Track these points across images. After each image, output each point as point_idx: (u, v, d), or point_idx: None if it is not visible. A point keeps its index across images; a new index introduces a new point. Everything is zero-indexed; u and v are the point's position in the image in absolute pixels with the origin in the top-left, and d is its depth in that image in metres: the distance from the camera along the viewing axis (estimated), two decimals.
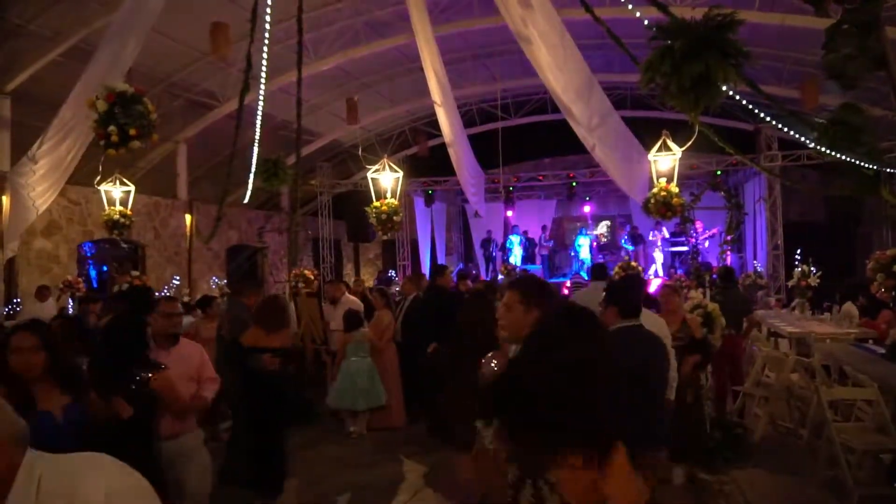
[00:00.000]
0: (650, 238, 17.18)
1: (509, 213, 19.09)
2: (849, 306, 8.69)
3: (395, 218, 8.39)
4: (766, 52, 11.45)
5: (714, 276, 11.20)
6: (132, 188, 9.48)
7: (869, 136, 3.26)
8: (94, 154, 7.91)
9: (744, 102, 5.69)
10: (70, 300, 10.39)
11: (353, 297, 8.39)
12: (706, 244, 16.73)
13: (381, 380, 6.89)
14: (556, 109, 10.86)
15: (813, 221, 16.25)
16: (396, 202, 8.49)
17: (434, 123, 12.85)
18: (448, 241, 21.08)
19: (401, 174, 8.74)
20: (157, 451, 3.19)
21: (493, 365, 2.85)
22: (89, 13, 9.01)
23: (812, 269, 9.60)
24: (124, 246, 12.33)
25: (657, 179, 7.75)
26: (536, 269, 17.77)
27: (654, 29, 3.33)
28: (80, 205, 11.67)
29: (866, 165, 3.45)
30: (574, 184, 16.93)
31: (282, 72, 10.02)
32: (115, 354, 3.18)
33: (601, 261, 15.84)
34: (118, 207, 9.13)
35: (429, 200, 18.02)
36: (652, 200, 7.64)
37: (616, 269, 10.83)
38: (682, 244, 16.99)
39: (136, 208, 10.12)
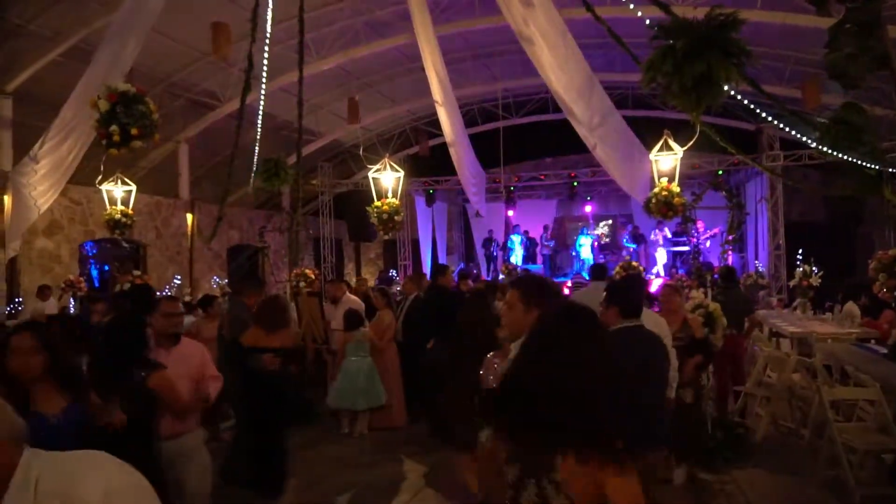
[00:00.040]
0: (652, 238, 17.17)
1: (510, 213, 19.08)
2: (850, 306, 8.67)
3: (396, 217, 8.40)
4: (767, 52, 11.43)
5: (715, 275, 11.19)
6: (133, 188, 9.50)
7: (871, 135, 3.25)
8: (96, 154, 7.93)
9: (745, 102, 5.68)
10: (72, 300, 10.40)
11: (354, 297, 8.38)
12: (707, 244, 16.71)
13: (382, 379, 6.88)
14: (557, 109, 10.88)
15: (814, 221, 16.22)
16: (397, 202, 8.49)
17: (435, 123, 12.84)
18: (449, 241, 21.07)
19: (402, 174, 8.75)
20: (158, 451, 3.19)
21: (495, 366, 2.85)
22: (89, 13, 9.02)
23: (813, 268, 9.59)
24: (126, 245, 12.35)
25: (658, 179, 7.75)
26: (538, 268, 17.75)
27: (656, 28, 3.33)
28: (82, 204, 11.69)
29: (868, 165, 3.44)
30: (575, 183, 16.93)
31: (283, 72, 10.03)
32: (115, 354, 3.18)
33: (602, 261, 15.83)
34: (120, 207, 9.15)
35: (430, 200, 18.02)
36: (653, 200, 7.64)
37: (617, 268, 10.83)
38: (684, 244, 16.97)
39: (137, 208, 10.14)
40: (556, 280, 16.35)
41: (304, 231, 17.74)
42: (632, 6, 5.12)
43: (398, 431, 6.91)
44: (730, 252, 15.59)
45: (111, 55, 6.77)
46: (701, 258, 15.64)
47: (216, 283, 13.31)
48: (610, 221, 20.06)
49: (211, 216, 11.47)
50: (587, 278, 14.98)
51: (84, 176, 9.73)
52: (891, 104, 8.59)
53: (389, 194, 8.56)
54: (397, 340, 7.37)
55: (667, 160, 7.81)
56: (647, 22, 3.84)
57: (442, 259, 19.21)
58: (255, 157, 6.94)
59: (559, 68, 7.51)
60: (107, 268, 14.03)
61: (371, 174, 8.82)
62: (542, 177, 17.49)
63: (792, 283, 10.24)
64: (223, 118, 12.69)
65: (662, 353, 3.63)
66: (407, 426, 7.05)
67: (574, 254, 18.15)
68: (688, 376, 4.84)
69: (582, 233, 18.18)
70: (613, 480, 1.69)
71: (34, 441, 1.54)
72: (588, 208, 19.33)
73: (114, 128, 4.99)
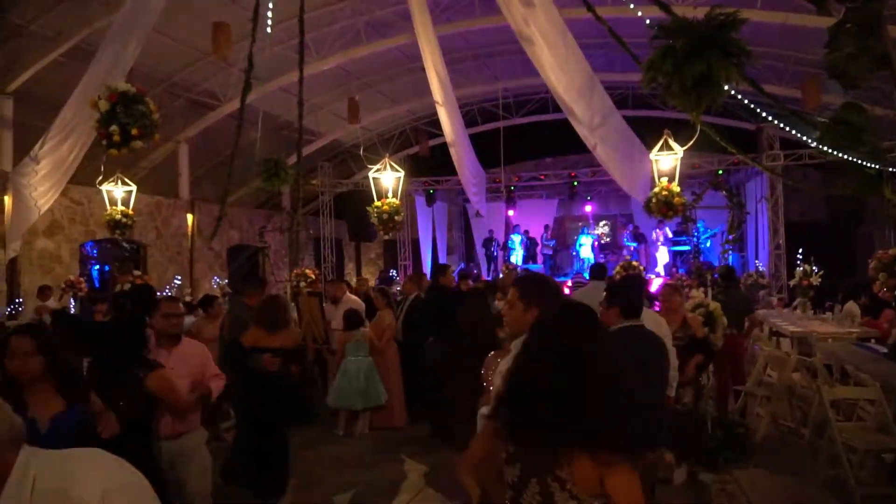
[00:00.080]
0: (652, 237, 17.17)
1: (510, 213, 19.08)
2: (851, 305, 8.67)
3: (396, 217, 8.40)
4: (767, 52, 11.43)
5: (716, 275, 11.18)
6: (134, 188, 9.50)
7: (871, 135, 3.25)
8: (96, 154, 7.94)
9: (746, 102, 5.69)
10: (72, 300, 10.40)
11: (354, 297, 8.39)
12: (708, 244, 16.70)
13: (383, 379, 6.88)
14: (557, 109, 10.86)
15: (815, 221, 16.21)
16: (398, 202, 8.49)
17: (435, 123, 12.84)
18: (449, 241, 21.08)
19: (402, 174, 8.74)
20: (157, 451, 3.19)
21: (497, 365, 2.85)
22: (90, 13, 9.02)
23: (814, 268, 9.59)
24: (126, 246, 12.36)
25: (659, 179, 7.75)
26: (538, 268, 17.75)
27: (656, 28, 3.33)
28: (83, 204, 11.69)
29: (868, 165, 3.44)
30: (575, 183, 16.92)
31: (283, 72, 10.03)
32: (115, 354, 3.18)
33: (602, 260, 15.82)
34: (120, 207, 9.15)
35: (430, 200, 18.01)
36: (653, 200, 7.64)
37: (617, 268, 10.83)
38: (684, 243, 16.97)
39: (137, 208, 10.14)
40: (556, 280, 16.37)
41: (305, 231, 17.74)
42: (632, 6, 5.12)
43: (398, 431, 6.90)
44: (730, 251, 15.59)
45: (112, 55, 6.77)
46: (701, 258, 15.64)
47: (216, 283, 13.29)
48: (610, 221, 20.07)
49: (211, 216, 11.48)
50: (587, 278, 15.02)
51: (84, 176, 9.73)
52: (891, 104, 8.59)
53: (389, 194, 8.56)
54: (397, 340, 7.37)
55: (667, 160, 7.81)
56: (648, 22, 3.84)
57: (442, 259, 19.21)
58: (256, 148, 6.92)
59: (559, 68, 7.51)
60: (107, 268, 14.03)
61: (371, 174, 8.82)
62: (543, 177, 17.49)
63: (792, 283, 10.24)
64: (223, 118, 12.70)
65: (662, 352, 3.63)
66: (407, 426, 7.05)
67: (574, 253, 18.16)
68: (688, 376, 4.84)
69: (582, 232, 18.19)
70: (613, 480, 1.69)
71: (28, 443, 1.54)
72: (588, 208, 19.33)
73: (114, 128, 4.99)
